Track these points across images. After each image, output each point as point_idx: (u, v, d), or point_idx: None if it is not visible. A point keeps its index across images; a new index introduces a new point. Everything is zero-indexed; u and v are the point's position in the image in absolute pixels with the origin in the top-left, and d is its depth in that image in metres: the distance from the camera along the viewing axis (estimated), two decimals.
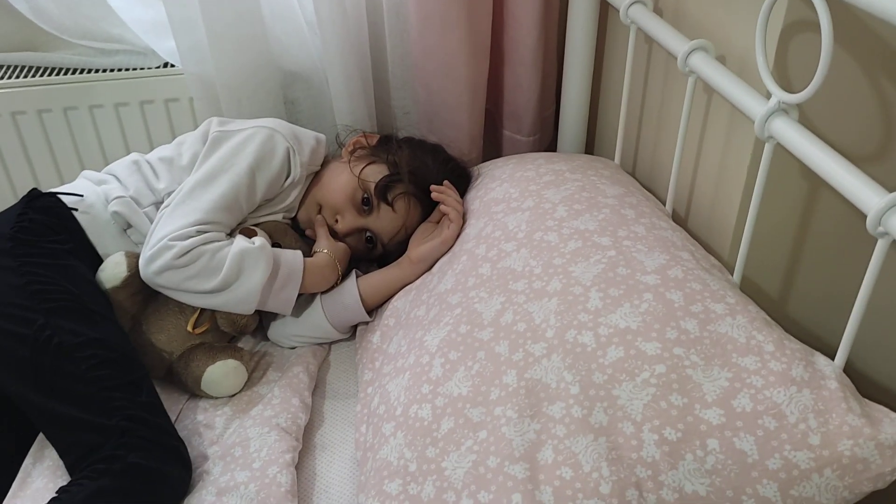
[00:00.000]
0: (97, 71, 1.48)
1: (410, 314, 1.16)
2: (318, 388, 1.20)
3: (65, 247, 1.14)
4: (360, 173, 1.29)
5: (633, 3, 1.19)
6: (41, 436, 1.09)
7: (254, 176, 1.20)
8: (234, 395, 1.16)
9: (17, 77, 1.47)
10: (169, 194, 1.22)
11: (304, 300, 1.25)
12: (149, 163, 1.27)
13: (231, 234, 1.19)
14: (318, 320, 1.24)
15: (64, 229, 1.16)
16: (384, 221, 1.28)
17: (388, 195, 1.27)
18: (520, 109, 1.58)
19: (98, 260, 1.18)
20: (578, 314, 0.94)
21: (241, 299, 1.15)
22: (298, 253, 1.23)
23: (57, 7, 1.41)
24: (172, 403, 1.14)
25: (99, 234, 1.19)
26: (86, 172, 1.29)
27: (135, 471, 0.98)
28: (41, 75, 1.47)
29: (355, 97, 1.47)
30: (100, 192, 1.23)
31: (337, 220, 1.29)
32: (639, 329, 0.91)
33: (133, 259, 1.16)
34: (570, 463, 0.85)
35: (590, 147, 1.59)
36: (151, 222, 1.20)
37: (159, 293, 1.19)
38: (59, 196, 1.19)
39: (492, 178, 1.29)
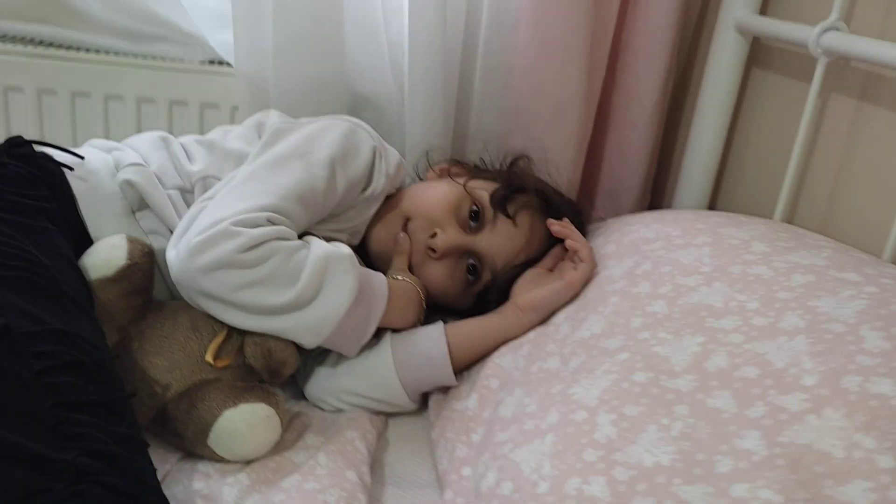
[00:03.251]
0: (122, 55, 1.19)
1: (530, 369, 0.80)
2: (373, 470, 0.80)
3: (41, 205, 0.78)
4: (465, 183, 0.98)
5: (826, 31, 0.96)
6: None
7: (334, 170, 0.88)
8: (252, 461, 0.77)
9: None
10: (204, 179, 0.89)
11: (367, 345, 0.89)
12: (180, 144, 0.95)
13: None
14: (383, 374, 0.87)
15: (46, 187, 0.81)
16: (499, 239, 0.95)
17: (507, 205, 0.95)
18: (621, 186, 1.32)
19: (87, 244, 0.82)
20: (854, 356, 0.60)
21: (314, 323, 0.79)
22: (379, 274, 0.89)
23: None
24: (154, 462, 0.73)
25: (96, 209, 0.84)
26: (93, 141, 0.96)
27: None
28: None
29: (434, 132, 1.19)
30: (108, 158, 0.90)
31: (434, 235, 0.94)
32: None
33: (138, 246, 0.80)
34: None
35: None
36: (174, 206, 0.87)
37: (165, 300, 0.84)
38: (49, 152, 0.86)
39: (626, 224, 0.99)
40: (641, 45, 1.22)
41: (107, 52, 1.19)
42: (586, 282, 0.89)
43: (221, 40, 1.19)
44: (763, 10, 1.14)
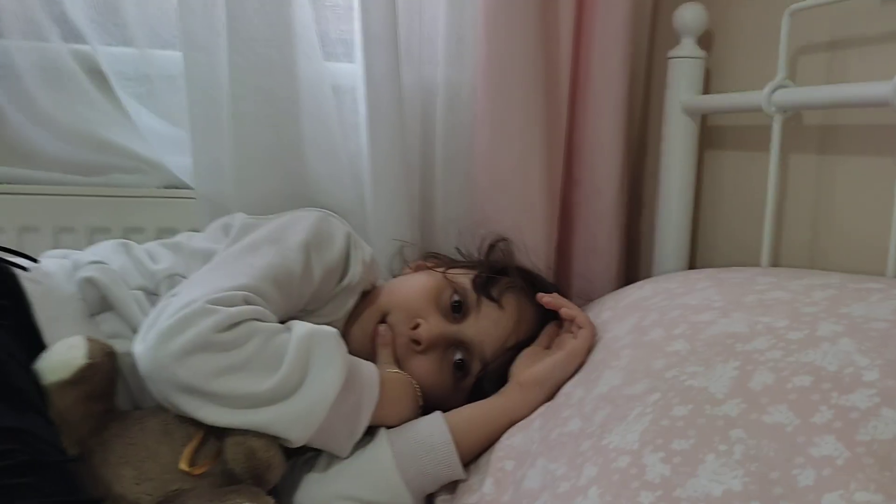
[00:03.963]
0: None
1: (550, 437, 0.72)
2: None
3: None
4: (444, 271, 0.93)
5: (776, 89, 0.99)
6: None
7: (309, 255, 0.83)
8: None
9: None
10: (170, 278, 0.83)
11: (361, 442, 0.79)
12: (143, 248, 0.89)
13: None
14: (382, 469, 0.77)
15: None
16: (486, 324, 0.88)
17: (491, 289, 0.90)
18: (596, 278, 1.29)
19: (40, 350, 0.73)
20: None
21: (302, 412, 0.71)
22: (368, 362, 0.81)
23: (45, 96, 1.12)
24: None
25: (51, 312, 0.75)
26: (48, 252, 0.89)
27: None
28: None
29: (400, 235, 1.16)
30: (64, 261, 0.83)
31: (417, 325, 0.87)
32: None
33: (98, 345, 0.72)
34: None
35: None
36: (139, 307, 0.79)
37: (129, 409, 0.74)
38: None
39: (618, 293, 0.95)
40: (594, 140, 1.24)
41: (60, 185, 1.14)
42: (589, 349, 0.84)
43: (180, 163, 1.16)
44: (706, 90, 1.19)
